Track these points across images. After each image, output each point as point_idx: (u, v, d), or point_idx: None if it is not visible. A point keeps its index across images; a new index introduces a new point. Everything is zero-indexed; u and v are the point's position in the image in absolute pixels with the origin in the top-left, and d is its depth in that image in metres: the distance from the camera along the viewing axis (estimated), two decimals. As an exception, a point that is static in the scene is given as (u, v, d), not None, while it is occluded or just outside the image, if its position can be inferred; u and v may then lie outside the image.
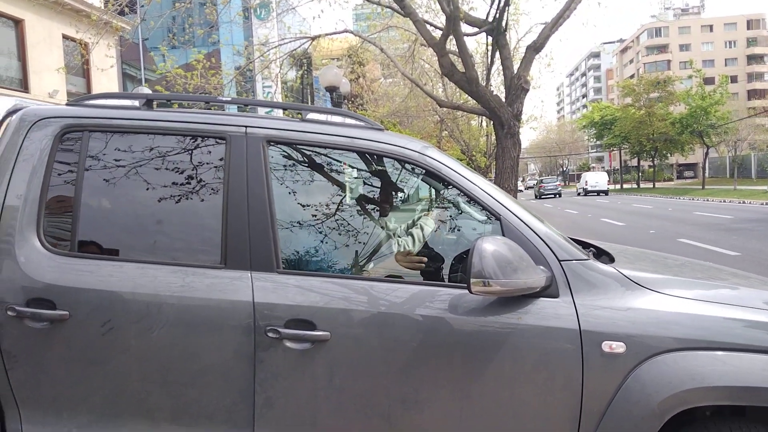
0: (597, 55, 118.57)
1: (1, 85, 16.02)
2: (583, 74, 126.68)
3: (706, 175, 47.35)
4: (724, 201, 30.20)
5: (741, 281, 2.66)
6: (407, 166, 2.43)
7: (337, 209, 2.47)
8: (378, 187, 2.62)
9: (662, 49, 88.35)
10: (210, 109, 3.19)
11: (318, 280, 2.22)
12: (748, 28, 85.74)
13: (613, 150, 64.38)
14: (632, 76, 77.07)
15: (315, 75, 25.91)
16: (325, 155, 2.43)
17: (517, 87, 8.84)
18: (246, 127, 2.34)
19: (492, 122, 10.48)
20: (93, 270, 2.21)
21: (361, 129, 2.42)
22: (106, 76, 16.60)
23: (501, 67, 10.34)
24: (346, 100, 17.07)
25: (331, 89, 12.29)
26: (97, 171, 2.32)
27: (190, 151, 2.35)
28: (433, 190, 2.64)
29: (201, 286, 2.17)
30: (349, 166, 2.50)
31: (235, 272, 2.19)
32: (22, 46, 16.97)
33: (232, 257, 2.21)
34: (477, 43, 18.20)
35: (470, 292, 2.04)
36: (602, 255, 2.73)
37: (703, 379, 2.00)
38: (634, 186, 60.75)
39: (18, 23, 16.97)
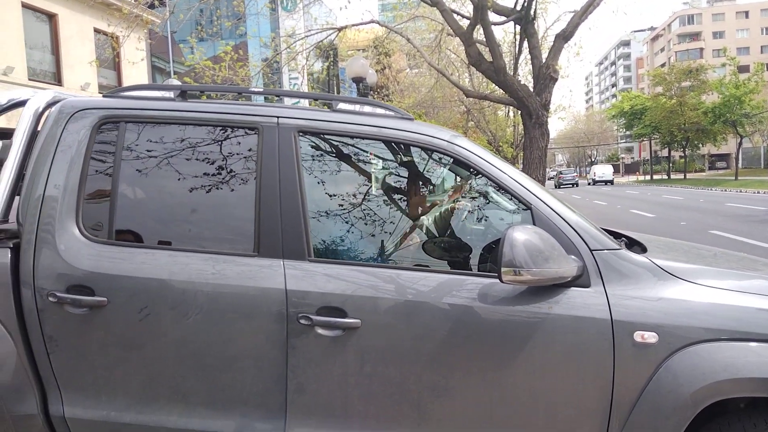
0: (627, 44, 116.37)
1: (36, 79, 16.39)
2: (613, 63, 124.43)
3: (740, 165, 46.34)
4: (758, 192, 29.48)
5: None
6: (436, 155, 2.44)
7: (367, 198, 2.49)
8: (407, 177, 2.64)
9: (695, 36, 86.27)
10: (240, 100, 3.24)
11: (348, 269, 2.25)
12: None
13: (643, 140, 63.25)
14: (663, 65, 75.53)
15: (341, 66, 25.94)
16: (355, 145, 2.46)
17: (546, 76, 8.75)
18: (278, 117, 2.38)
19: (519, 112, 10.39)
20: (130, 258, 2.26)
21: (391, 119, 2.44)
22: (135, 69, 16.85)
23: (529, 57, 10.25)
24: (372, 91, 17.07)
25: (358, 80, 12.29)
26: (134, 161, 2.37)
27: (223, 142, 2.39)
28: (460, 180, 2.62)
29: (235, 274, 2.21)
30: (377, 156, 2.52)
31: (267, 260, 2.23)
32: (55, 40, 17.32)
33: (265, 246, 2.25)
34: (504, 33, 18.04)
35: (501, 281, 2.04)
36: (634, 245, 2.70)
37: (738, 370, 1.98)
38: (665, 177, 59.68)
39: (52, 18, 17.32)
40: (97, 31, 18.12)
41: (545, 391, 2.10)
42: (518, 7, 9.07)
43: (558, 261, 2.05)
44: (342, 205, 2.45)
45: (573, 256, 2.15)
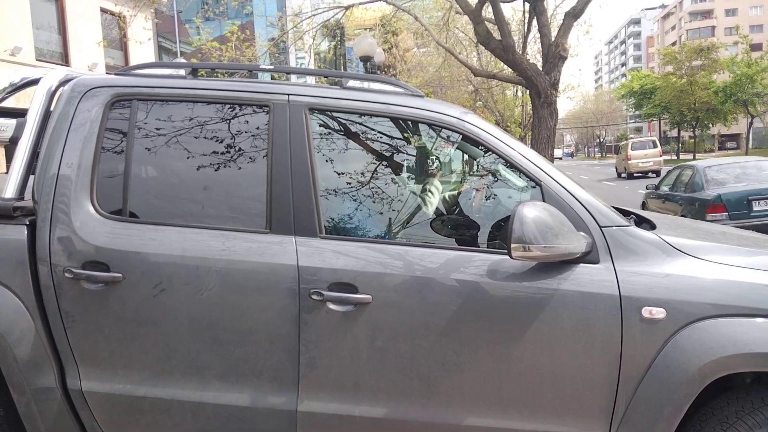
0: (637, 22, 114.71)
1: (43, 59, 16.38)
2: (623, 42, 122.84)
3: (750, 146, 45.89)
4: (769, 172, 29.11)
5: None
6: (445, 132, 2.46)
7: (376, 176, 2.51)
8: (417, 154, 2.66)
9: (707, 14, 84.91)
10: (250, 77, 3.24)
11: (359, 245, 2.28)
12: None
13: (652, 120, 62.71)
14: (674, 44, 74.49)
15: (348, 45, 25.76)
16: (365, 122, 2.47)
17: (555, 55, 8.68)
18: (288, 95, 2.39)
19: (528, 91, 10.32)
20: (144, 234, 2.29)
21: (402, 96, 2.45)
22: (142, 49, 16.81)
23: (538, 35, 10.15)
24: (379, 70, 16.97)
25: (366, 59, 12.22)
26: (146, 139, 2.40)
27: (234, 119, 2.41)
28: (470, 156, 2.65)
29: (247, 250, 2.25)
30: (387, 133, 2.51)
31: (279, 237, 2.26)
32: (62, 20, 17.26)
33: (277, 222, 2.28)
34: (513, 11, 17.86)
35: (510, 257, 2.06)
36: (643, 222, 2.71)
37: (745, 345, 2.01)
38: (674, 157, 59.30)
39: (58, -3, 17.24)
40: (103, 10, 18.05)
41: (553, 366, 2.14)
42: (528, -15, 8.96)
43: (567, 237, 2.07)
44: (352, 183, 2.47)
45: (582, 233, 2.17)
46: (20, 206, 2.35)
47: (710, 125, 54.10)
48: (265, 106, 2.39)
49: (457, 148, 2.58)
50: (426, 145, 2.61)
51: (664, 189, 10.35)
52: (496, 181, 2.56)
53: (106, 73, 10.82)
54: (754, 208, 8.10)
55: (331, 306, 2.19)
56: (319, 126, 2.44)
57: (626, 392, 2.10)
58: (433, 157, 2.68)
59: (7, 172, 2.41)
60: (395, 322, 2.19)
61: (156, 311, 2.26)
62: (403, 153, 2.60)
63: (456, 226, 2.63)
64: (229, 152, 2.38)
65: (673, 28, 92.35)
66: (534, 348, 2.14)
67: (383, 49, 22.07)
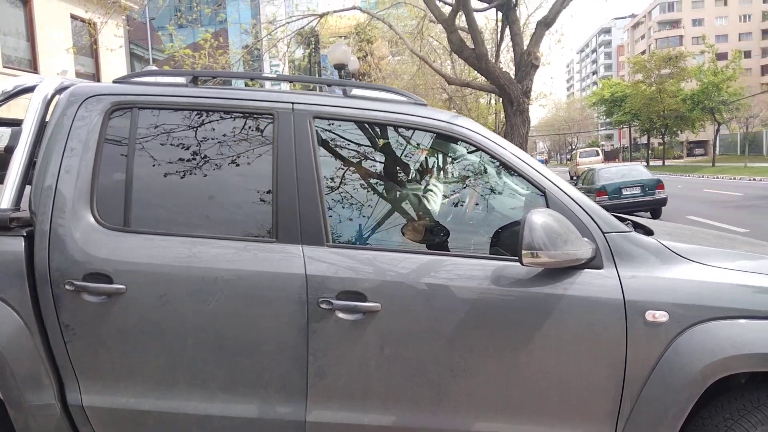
0: (608, 31, 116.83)
1: (11, 66, 16.06)
2: (594, 50, 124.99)
3: (717, 152, 46.96)
4: (735, 178, 29.95)
5: None
6: (451, 140, 2.49)
7: (383, 184, 2.55)
8: (422, 162, 2.67)
9: (675, 24, 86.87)
10: (246, 85, 3.23)
11: (367, 253, 2.28)
12: (764, 1, 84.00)
13: (623, 127, 63.82)
14: (643, 52, 76.00)
15: (323, 53, 25.74)
16: (370, 130, 2.48)
17: (527, 63, 8.80)
18: (293, 103, 2.38)
19: (501, 100, 10.44)
20: (147, 245, 2.24)
21: (406, 104, 2.46)
22: (114, 56, 16.59)
23: (511, 44, 10.28)
24: (354, 78, 17.00)
25: (340, 67, 12.24)
26: (148, 147, 2.35)
27: (238, 128, 2.39)
28: (477, 165, 2.66)
29: (254, 260, 2.22)
30: (393, 141, 2.53)
31: (286, 246, 2.24)
32: (30, 26, 16.94)
33: (283, 231, 2.25)
34: (486, 20, 18.04)
35: (521, 263, 2.08)
36: (638, 228, 2.77)
37: (744, 346, 2.07)
38: (644, 164, 60.33)
39: (26, 3, 16.94)
40: (74, 17, 17.78)
41: (560, 371, 2.16)
42: (500, -6, 9.08)
43: (575, 243, 2.11)
44: (358, 191, 2.47)
45: (586, 239, 2.20)
46: (17, 217, 2.28)
47: (679, 132, 55.25)
48: (269, 114, 2.37)
49: (466, 156, 2.60)
50: (433, 153, 2.63)
51: (580, 184, 16.23)
52: (504, 188, 2.60)
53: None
54: (624, 193, 14.06)
55: (340, 315, 2.17)
56: (325, 134, 2.44)
57: (631, 394, 2.13)
58: (439, 165, 2.70)
59: (1, 183, 2.35)
60: (404, 329, 2.18)
61: (160, 323, 2.21)
62: (409, 161, 2.62)
63: (463, 233, 2.66)
64: (233, 161, 2.36)
65: (643, 37, 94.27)
66: (541, 353, 2.16)
67: (358, 57, 22.12)
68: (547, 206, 2.26)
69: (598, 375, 2.15)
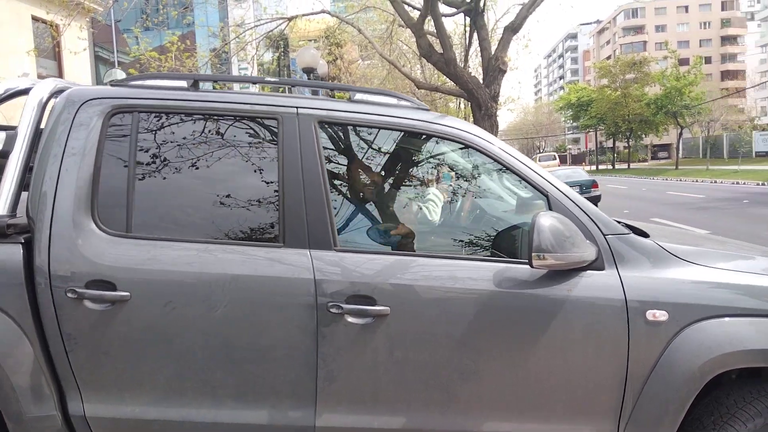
0: (574, 37, 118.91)
1: (-32, 68, 15.59)
2: (561, 56, 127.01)
3: (680, 155, 48.13)
4: (697, 181, 30.72)
5: (756, 252, 2.81)
6: (455, 145, 2.50)
7: (388, 188, 2.59)
8: (426, 166, 2.71)
9: (638, 30, 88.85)
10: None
11: (374, 257, 2.29)
12: (723, 9, 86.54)
13: (589, 131, 64.94)
14: (609, 58, 77.51)
15: (292, 57, 25.63)
16: (374, 135, 2.49)
17: (495, 68, 8.88)
18: (297, 108, 2.36)
19: (470, 104, 10.52)
20: (152, 251, 2.20)
21: (410, 109, 2.47)
22: (78, 59, 16.23)
23: (479, 49, 10.36)
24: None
25: (308, 71, 12.19)
26: (150, 152, 2.31)
27: (242, 132, 2.37)
28: (478, 169, 2.71)
29: (262, 265, 2.20)
30: (397, 146, 2.55)
31: (294, 250, 2.22)
32: (-11, 27, 16.50)
33: (291, 236, 2.24)
34: (455, 24, 18.19)
35: (531, 266, 2.13)
36: (635, 230, 2.81)
37: (740, 342, 2.16)
38: (609, 167, 61.47)
39: (-16, 3, 16.49)
40: (35, 19, 17.34)
41: (566, 369, 2.21)
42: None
43: (580, 246, 2.17)
44: (364, 195, 2.51)
45: (589, 241, 2.26)
46: (14, 223, 2.21)
47: (643, 136, 56.54)
48: (273, 118, 2.35)
49: (468, 160, 2.63)
50: (436, 157, 2.66)
51: None
52: (505, 191, 2.65)
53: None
54: None
55: (350, 319, 2.17)
56: (330, 139, 2.43)
57: (633, 391, 2.19)
58: (442, 169, 2.75)
59: None
60: (413, 332, 2.20)
61: (167, 330, 2.17)
62: (414, 165, 2.65)
63: (469, 236, 2.71)
64: (238, 165, 2.34)
65: (608, 42, 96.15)
66: (547, 353, 2.20)
67: (328, 61, 22.07)
68: (550, 209, 2.30)
69: (601, 374, 2.20)
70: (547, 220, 2.12)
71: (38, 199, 2.22)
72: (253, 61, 13.76)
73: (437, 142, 2.53)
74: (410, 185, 2.66)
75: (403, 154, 2.60)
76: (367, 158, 2.52)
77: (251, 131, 2.37)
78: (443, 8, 9.47)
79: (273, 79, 2.70)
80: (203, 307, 2.16)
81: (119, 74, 8.21)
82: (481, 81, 9.06)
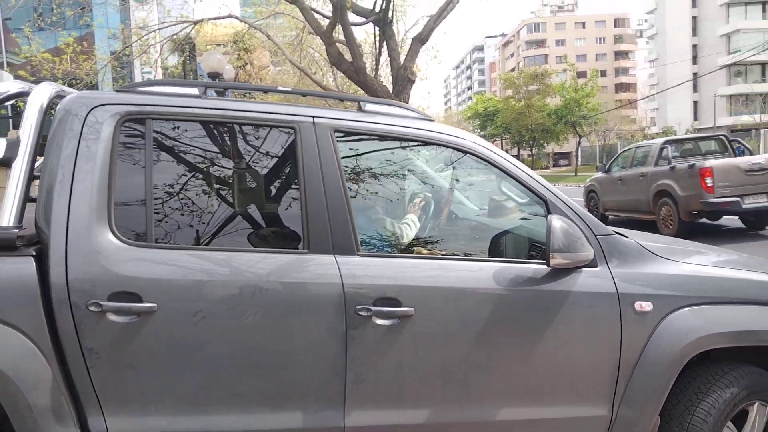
0: (481, 49, 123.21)
1: None
2: (469, 67, 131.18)
3: (579, 162, 50.76)
4: (595, 187, 32.44)
5: (711, 250, 3.14)
6: (459, 154, 2.63)
7: (402, 194, 2.79)
8: (433, 174, 2.93)
9: (540, 43, 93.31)
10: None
11: (396, 260, 2.41)
12: (616, 26, 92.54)
13: (495, 140, 67.34)
14: (513, 70, 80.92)
15: (199, 61, 24.90)
16: (386, 144, 2.60)
17: (404, 78, 9.03)
18: (313, 117, 2.39)
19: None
20: (176, 260, 2.15)
21: (417, 120, 2.59)
22: (-40, 58, 15.00)
23: (389, 58, 10.50)
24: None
25: (214, 75, 11.84)
26: (166, 160, 2.27)
27: (259, 140, 2.38)
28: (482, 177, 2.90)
29: (290, 271, 2.21)
30: (408, 155, 2.73)
31: (320, 256, 2.25)
32: None
33: (315, 242, 2.26)
34: (366, 34, 18.33)
35: (548, 265, 2.32)
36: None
37: (711, 327, 2.45)
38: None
39: None
40: None
41: (570, 358, 2.41)
42: (377, 9, 9.26)
43: (585, 245, 2.37)
44: (381, 201, 2.66)
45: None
46: (23, 235, 2.08)
47: (545, 144, 59.34)
48: (290, 127, 2.36)
49: (471, 169, 2.80)
50: (442, 166, 2.85)
51: None
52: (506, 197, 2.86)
53: None
54: None
55: (377, 321, 2.23)
56: (345, 147, 2.49)
57: (625, 375, 2.42)
58: (447, 176, 2.95)
59: None
60: (435, 331, 2.30)
61: (195, 339, 2.12)
62: (423, 173, 2.85)
63: (479, 238, 2.90)
64: (256, 173, 2.37)
65: (513, 55, 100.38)
66: (555, 344, 2.38)
67: (238, 66, 21.64)
68: (548, 213, 2.48)
69: (600, 361, 2.42)
70: (558, 223, 2.31)
71: (50, 209, 2.10)
72: (156, 65, 13.26)
73: (443, 151, 2.67)
74: (418, 191, 2.86)
75: (414, 162, 2.77)
76: (381, 166, 2.64)
77: (269, 140, 2.38)
78: (353, 17, 9.52)
79: (286, 89, 2.74)
80: (232, 314, 2.14)
81: (6, 76, 7.63)
82: (391, 90, 9.18)
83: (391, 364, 2.27)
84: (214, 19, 11.44)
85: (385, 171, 2.65)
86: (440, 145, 2.57)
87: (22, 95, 2.35)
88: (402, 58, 9.55)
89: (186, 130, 2.31)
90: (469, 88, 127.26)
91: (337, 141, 2.43)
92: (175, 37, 12.90)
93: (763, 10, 55.96)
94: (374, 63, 12.16)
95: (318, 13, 10.61)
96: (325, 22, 9.66)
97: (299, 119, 2.37)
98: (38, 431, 2.05)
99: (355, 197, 2.49)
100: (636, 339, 2.41)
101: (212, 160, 2.33)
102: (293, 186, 2.34)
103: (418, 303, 2.27)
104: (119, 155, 2.21)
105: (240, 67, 24.59)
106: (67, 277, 2.05)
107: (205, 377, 2.16)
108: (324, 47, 12.45)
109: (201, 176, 2.32)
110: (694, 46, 64.11)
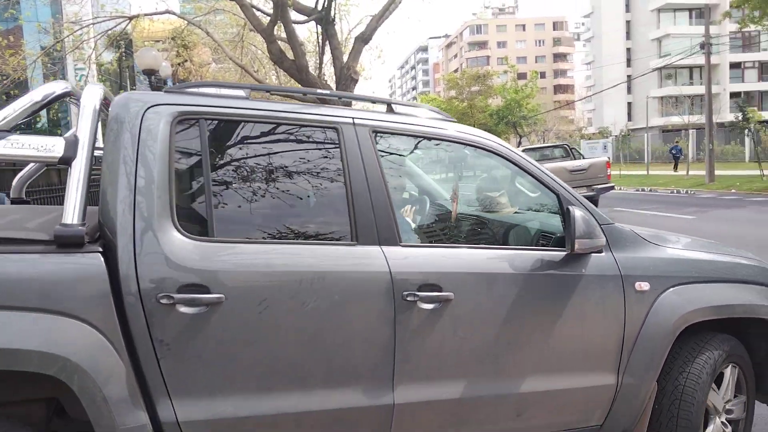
0: (425, 49, 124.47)
1: None
2: (413, 67, 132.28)
3: (521, 162, 51.95)
4: (536, 186, 33.37)
5: (684, 236, 3.51)
6: (484, 152, 2.87)
7: (431, 189, 3.19)
8: (463, 171, 3.34)
9: (482, 45, 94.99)
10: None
11: (435, 250, 2.68)
12: (554, 29, 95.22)
13: (440, 139, 68.05)
14: (456, 70, 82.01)
15: (136, 57, 24.11)
16: (418, 143, 2.87)
17: (347, 77, 9.00)
18: (353, 118, 2.59)
19: (323, 111, 10.55)
20: (240, 253, 2.28)
21: (443, 121, 2.84)
22: None
23: (332, 57, 10.44)
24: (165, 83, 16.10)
25: (150, 72, 11.48)
26: (222, 158, 2.43)
27: (306, 140, 2.55)
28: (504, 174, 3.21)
29: (343, 261, 2.38)
30: (438, 154, 3.03)
31: (368, 247, 2.43)
32: None
33: (362, 234, 2.44)
34: (309, 32, 18.19)
35: (572, 251, 2.60)
36: None
37: (697, 302, 2.85)
38: (460, 173, 64.78)
39: None
40: None
41: (584, 334, 2.71)
42: (319, 8, 9.19)
43: (600, 233, 2.69)
44: (417, 195, 2.97)
45: None
46: (89, 232, 2.14)
47: (489, 144, 60.27)
48: (333, 128, 2.52)
49: (495, 167, 3.09)
50: (468, 164, 3.25)
51: None
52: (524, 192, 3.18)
53: None
54: None
55: (422, 305, 2.42)
56: (383, 146, 2.69)
57: (628, 347, 2.76)
58: (476, 173, 3.32)
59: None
60: (472, 313, 2.53)
61: (260, 328, 2.24)
62: (453, 169, 3.18)
63: (507, 228, 3.22)
64: (305, 170, 2.51)
65: (456, 56, 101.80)
66: (572, 322, 2.68)
67: (177, 63, 21.10)
68: (560, 206, 2.77)
69: (608, 335, 2.74)
70: (579, 213, 2.60)
71: (115, 206, 2.18)
72: (89, 62, 12.77)
73: (468, 149, 2.91)
74: (452, 187, 3.17)
75: (445, 160, 3.02)
76: (416, 163, 2.92)
77: (316, 140, 2.55)
78: (295, 15, 9.42)
79: (324, 91, 2.91)
80: (294, 303, 2.27)
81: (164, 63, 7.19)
82: (335, 89, 9.13)
83: (434, 344, 2.48)
84: (151, 14, 11.09)
85: (421, 168, 2.96)
86: (467, 144, 2.83)
87: (68, 96, 2.46)
88: (345, 57, 9.52)
89: (236, 130, 2.47)
90: (414, 89, 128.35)
91: (378, 140, 2.66)
92: (110, 32, 12.45)
93: (690, 17, 58.72)
94: (317, 61, 12.07)
95: (259, 10, 10.44)
96: (266, 20, 9.52)
97: (341, 120, 2.56)
98: (113, 422, 2.10)
99: (397, 191, 2.76)
100: (637, 315, 2.75)
101: (263, 158, 2.48)
102: (338, 182, 2.50)
103: (457, 288, 2.49)
104: (176, 154, 2.32)
105: (179, 64, 24.00)
106: (137, 272, 2.12)
107: (269, 363, 2.28)
108: (266, 45, 12.28)
109: (253, 173, 2.45)
110: (628, 50, 66.76)
